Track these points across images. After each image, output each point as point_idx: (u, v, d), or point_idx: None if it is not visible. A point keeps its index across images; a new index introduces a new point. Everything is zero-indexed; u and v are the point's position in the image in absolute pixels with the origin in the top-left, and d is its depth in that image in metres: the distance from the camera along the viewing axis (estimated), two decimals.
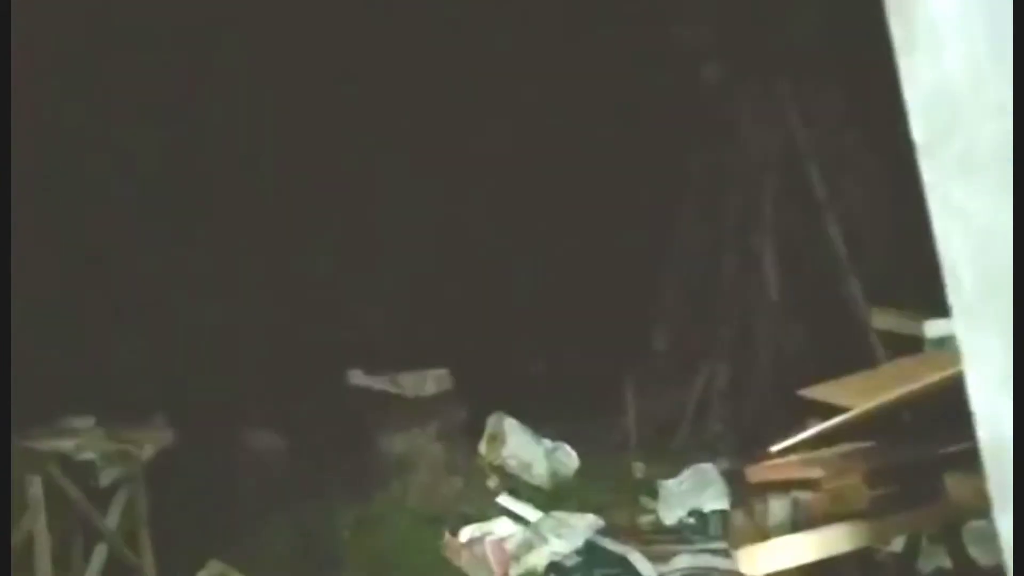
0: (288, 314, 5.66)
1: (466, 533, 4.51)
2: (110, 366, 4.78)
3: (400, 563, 4.22)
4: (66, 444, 3.81)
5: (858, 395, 3.02)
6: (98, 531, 3.85)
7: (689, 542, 4.55)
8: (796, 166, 5.69)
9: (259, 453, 5.22)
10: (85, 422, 4.04)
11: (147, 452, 4.10)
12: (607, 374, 5.76)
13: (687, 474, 5.12)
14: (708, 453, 5.37)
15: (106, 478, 3.91)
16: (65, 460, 3.77)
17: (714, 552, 4.36)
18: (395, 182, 5.86)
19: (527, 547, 4.46)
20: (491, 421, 5.65)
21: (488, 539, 4.43)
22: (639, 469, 5.49)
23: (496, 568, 4.31)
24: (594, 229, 6.10)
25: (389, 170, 5.88)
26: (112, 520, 3.93)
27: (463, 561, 4.38)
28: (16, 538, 3.60)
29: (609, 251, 6.02)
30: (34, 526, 3.58)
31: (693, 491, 4.97)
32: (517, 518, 4.71)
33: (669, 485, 5.07)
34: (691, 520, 4.80)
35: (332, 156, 5.75)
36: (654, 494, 5.09)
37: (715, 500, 4.84)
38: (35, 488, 3.63)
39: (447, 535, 4.52)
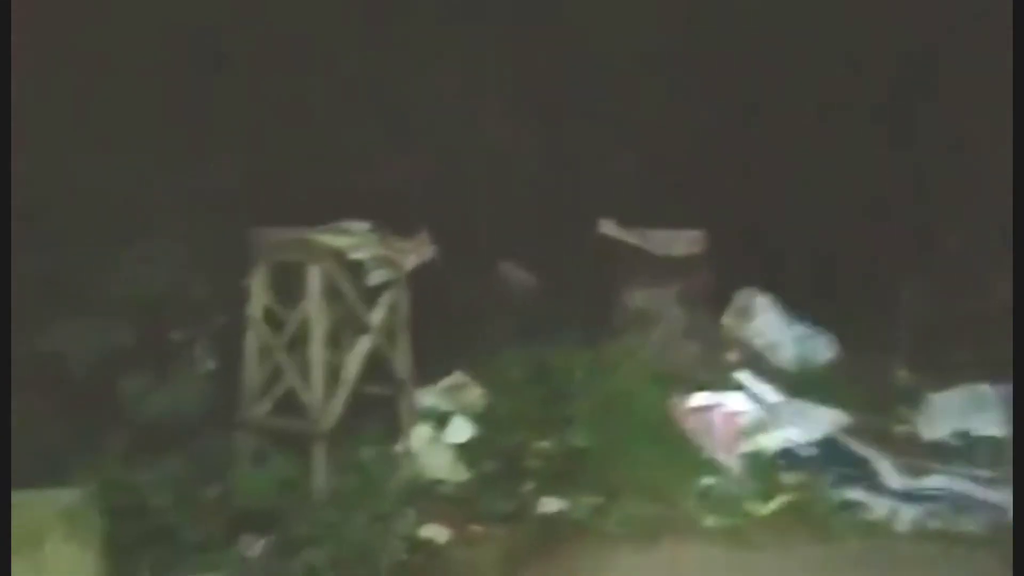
0: (555, 157, 5.65)
1: (697, 399, 4.39)
2: (389, 179, 5.11)
3: (625, 411, 4.23)
4: (344, 243, 4.17)
5: None
6: (363, 324, 4.25)
7: (947, 463, 4.06)
8: None
9: (510, 284, 5.43)
10: (361, 226, 4.38)
11: (411, 262, 4.40)
12: (885, 267, 5.15)
13: (959, 391, 4.53)
14: (990, 373, 4.68)
15: (374, 279, 4.26)
16: (341, 257, 4.15)
17: (976, 480, 3.86)
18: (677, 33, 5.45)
19: (760, 427, 4.26)
20: (741, 294, 5.35)
21: (719, 410, 4.28)
22: (903, 376, 4.96)
23: (722, 439, 4.18)
24: (894, 98, 5.31)
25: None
26: (376, 317, 4.31)
27: (688, 424, 4.29)
28: (296, 319, 4.09)
29: (907, 128, 5.22)
30: (311, 310, 4.02)
31: (963, 411, 4.40)
32: (754, 397, 4.49)
33: (936, 399, 4.52)
34: (955, 441, 4.28)
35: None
36: (915, 405, 4.58)
37: (988, 425, 4.25)
38: (315, 277, 4.05)
39: (676, 396, 4.43)
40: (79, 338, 4.02)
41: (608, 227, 5.26)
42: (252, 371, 4.09)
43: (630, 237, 5.23)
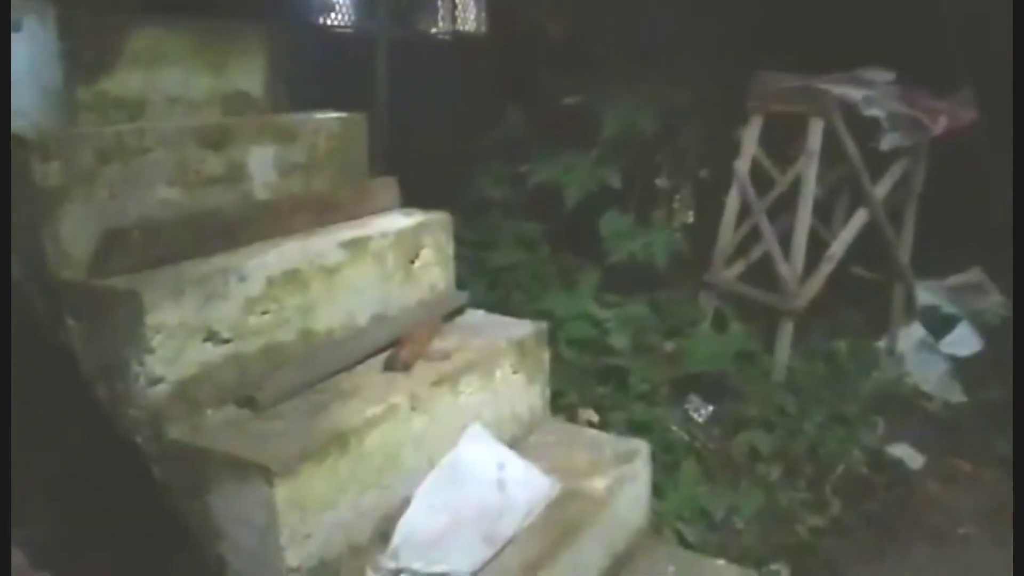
0: None
1: None
2: (926, 24, 4.13)
3: None
4: (856, 95, 3.50)
5: None
6: (865, 194, 3.62)
7: None
8: None
9: None
10: (884, 76, 3.63)
11: (940, 126, 3.54)
12: None
13: None
14: None
15: (888, 143, 3.54)
16: (851, 111, 3.50)
17: None
18: None
19: None
20: None
21: None
22: None
23: None
24: None
25: None
26: (882, 188, 3.63)
27: None
28: (786, 180, 3.63)
29: None
30: (806, 171, 3.51)
31: None
32: None
33: None
34: None
35: None
36: None
37: None
38: (816, 133, 3.49)
39: None
40: (575, 171, 4.16)
41: None
42: (728, 230, 3.82)
43: None
